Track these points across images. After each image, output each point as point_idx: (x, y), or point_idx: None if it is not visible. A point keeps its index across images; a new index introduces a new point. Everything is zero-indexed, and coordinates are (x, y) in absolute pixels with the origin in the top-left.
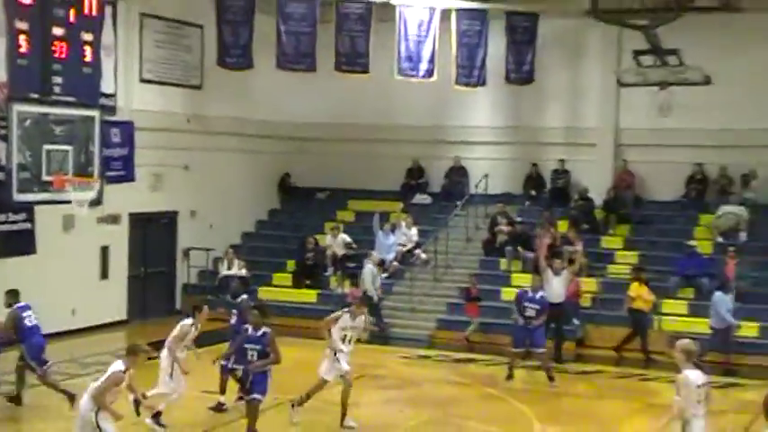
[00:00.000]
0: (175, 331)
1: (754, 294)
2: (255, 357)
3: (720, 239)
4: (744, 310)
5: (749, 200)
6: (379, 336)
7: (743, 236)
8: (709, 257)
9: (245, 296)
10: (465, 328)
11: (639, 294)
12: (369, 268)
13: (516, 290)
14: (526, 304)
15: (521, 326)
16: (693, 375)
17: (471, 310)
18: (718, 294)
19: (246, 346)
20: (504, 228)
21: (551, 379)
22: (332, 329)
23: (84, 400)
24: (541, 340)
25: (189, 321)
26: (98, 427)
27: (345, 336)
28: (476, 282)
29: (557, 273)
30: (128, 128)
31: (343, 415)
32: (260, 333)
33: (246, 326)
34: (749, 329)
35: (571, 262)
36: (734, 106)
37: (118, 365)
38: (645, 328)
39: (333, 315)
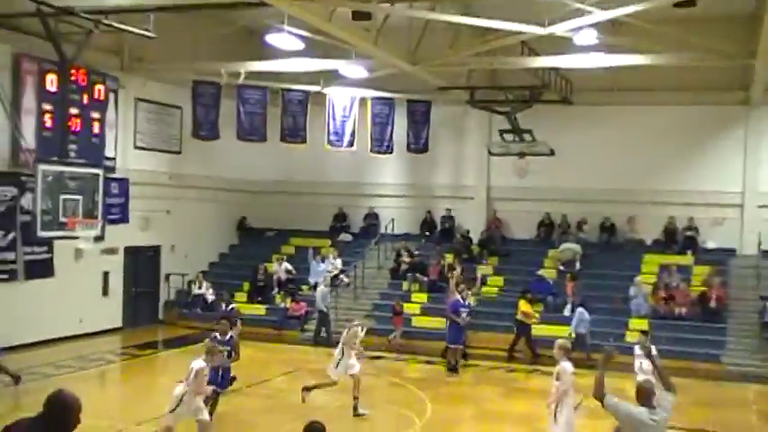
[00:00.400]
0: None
1: (585, 307)
2: (226, 356)
3: (562, 268)
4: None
5: (582, 239)
6: (326, 341)
7: (578, 265)
8: (554, 281)
9: (233, 305)
10: (380, 334)
11: (524, 310)
12: (321, 290)
13: (449, 301)
14: (461, 309)
15: (459, 327)
16: (569, 366)
17: (397, 322)
18: (579, 310)
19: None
20: (406, 258)
21: (457, 371)
22: (349, 336)
23: (175, 393)
24: (463, 338)
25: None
26: (190, 406)
27: (356, 342)
28: (400, 301)
29: (461, 292)
30: (124, 183)
31: (355, 405)
32: (227, 338)
33: (215, 333)
34: None
35: (457, 284)
36: (571, 171)
37: (200, 362)
38: (528, 333)
39: (352, 331)
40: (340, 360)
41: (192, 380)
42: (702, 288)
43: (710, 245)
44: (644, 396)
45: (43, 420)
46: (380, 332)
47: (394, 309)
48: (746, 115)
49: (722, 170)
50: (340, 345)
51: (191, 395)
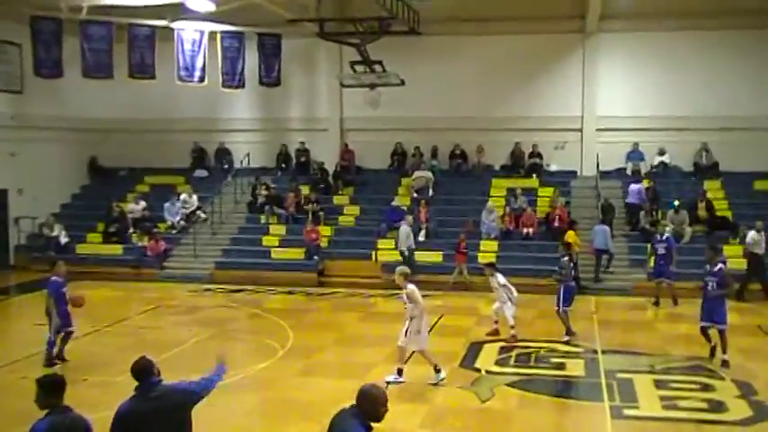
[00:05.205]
0: None
1: (438, 232)
2: None
3: (415, 195)
4: (431, 243)
5: (435, 167)
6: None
7: (430, 192)
8: (409, 208)
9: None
10: (237, 268)
11: (572, 240)
12: (403, 228)
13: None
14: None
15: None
16: (414, 287)
17: (460, 259)
18: (604, 227)
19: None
20: (263, 192)
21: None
22: None
23: None
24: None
25: None
26: None
27: None
28: (465, 238)
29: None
30: None
31: None
32: None
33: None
34: (436, 257)
35: (314, 215)
36: (421, 101)
37: None
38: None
39: None
40: None
41: None
42: (547, 209)
43: (554, 167)
44: None
45: (358, 409)
46: (237, 265)
47: (458, 246)
48: (582, 43)
49: (562, 96)
50: None
51: None
